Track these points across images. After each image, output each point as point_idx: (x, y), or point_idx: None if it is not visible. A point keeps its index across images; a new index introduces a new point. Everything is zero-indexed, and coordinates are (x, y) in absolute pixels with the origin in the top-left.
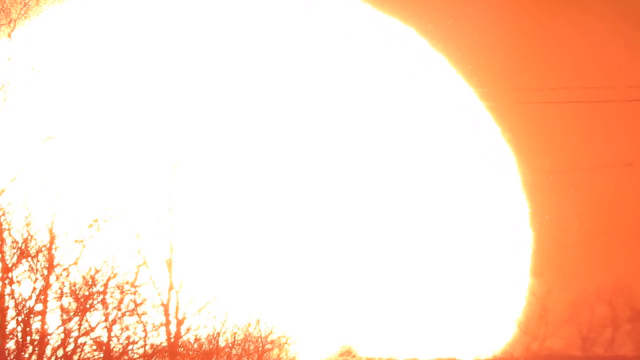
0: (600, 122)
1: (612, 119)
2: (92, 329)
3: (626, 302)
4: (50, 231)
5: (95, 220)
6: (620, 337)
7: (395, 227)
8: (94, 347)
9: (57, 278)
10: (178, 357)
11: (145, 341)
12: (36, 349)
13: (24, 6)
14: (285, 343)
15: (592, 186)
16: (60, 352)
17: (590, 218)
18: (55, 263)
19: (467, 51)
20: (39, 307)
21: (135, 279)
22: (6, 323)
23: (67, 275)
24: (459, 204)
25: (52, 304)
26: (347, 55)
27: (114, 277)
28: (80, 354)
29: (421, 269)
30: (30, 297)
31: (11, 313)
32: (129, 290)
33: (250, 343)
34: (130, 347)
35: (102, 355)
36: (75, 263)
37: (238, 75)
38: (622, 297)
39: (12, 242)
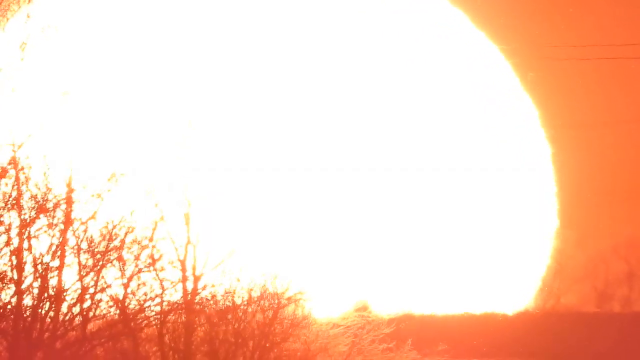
0: (623, 78)
1: (635, 75)
2: (109, 286)
3: None
4: (68, 185)
5: (113, 175)
6: (636, 294)
7: (415, 181)
8: (111, 304)
9: (74, 233)
10: (194, 314)
11: (162, 298)
12: (53, 305)
13: None
14: (301, 299)
15: (614, 142)
16: (76, 309)
17: (609, 174)
18: (72, 218)
19: (489, 7)
20: (55, 262)
21: (153, 233)
22: (23, 279)
23: (85, 230)
24: (481, 161)
25: (69, 260)
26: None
27: (131, 231)
28: (96, 311)
29: (440, 226)
30: (47, 253)
31: (29, 268)
32: (146, 245)
33: (266, 300)
34: (147, 303)
35: (118, 311)
36: (93, 217)
37: (254, 47)
38: (638, 254)
39: (30, 196)
